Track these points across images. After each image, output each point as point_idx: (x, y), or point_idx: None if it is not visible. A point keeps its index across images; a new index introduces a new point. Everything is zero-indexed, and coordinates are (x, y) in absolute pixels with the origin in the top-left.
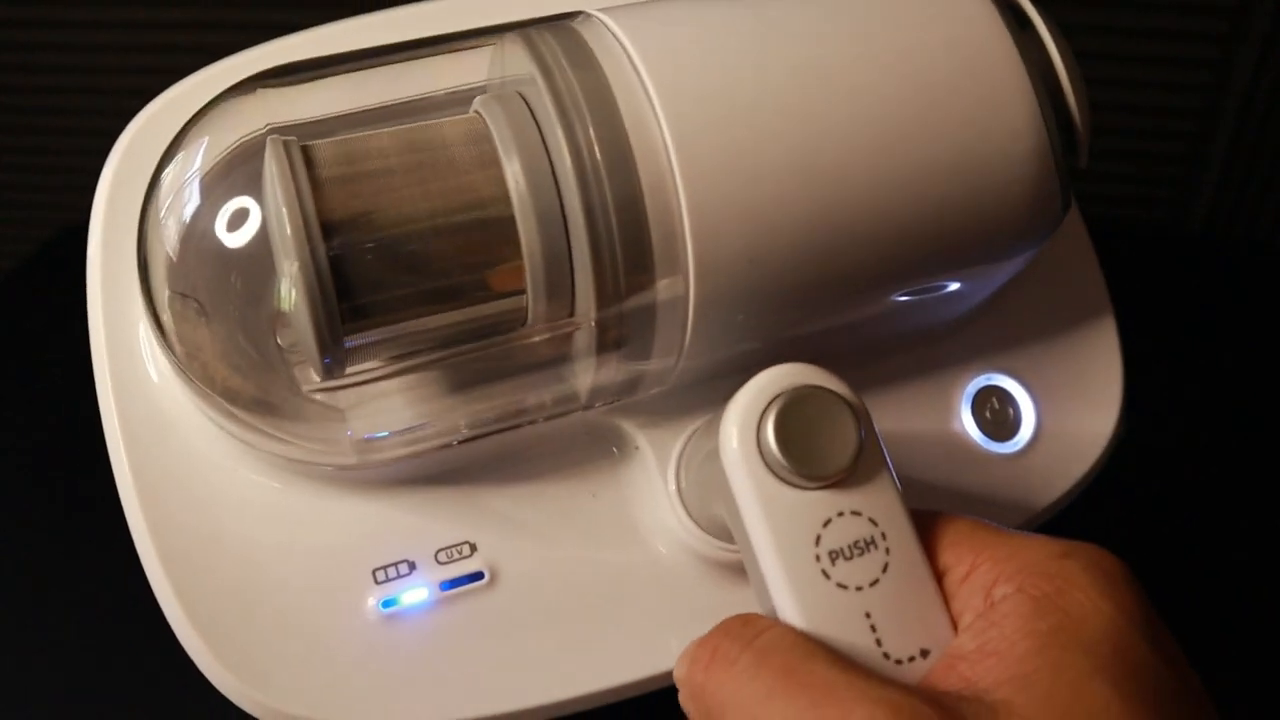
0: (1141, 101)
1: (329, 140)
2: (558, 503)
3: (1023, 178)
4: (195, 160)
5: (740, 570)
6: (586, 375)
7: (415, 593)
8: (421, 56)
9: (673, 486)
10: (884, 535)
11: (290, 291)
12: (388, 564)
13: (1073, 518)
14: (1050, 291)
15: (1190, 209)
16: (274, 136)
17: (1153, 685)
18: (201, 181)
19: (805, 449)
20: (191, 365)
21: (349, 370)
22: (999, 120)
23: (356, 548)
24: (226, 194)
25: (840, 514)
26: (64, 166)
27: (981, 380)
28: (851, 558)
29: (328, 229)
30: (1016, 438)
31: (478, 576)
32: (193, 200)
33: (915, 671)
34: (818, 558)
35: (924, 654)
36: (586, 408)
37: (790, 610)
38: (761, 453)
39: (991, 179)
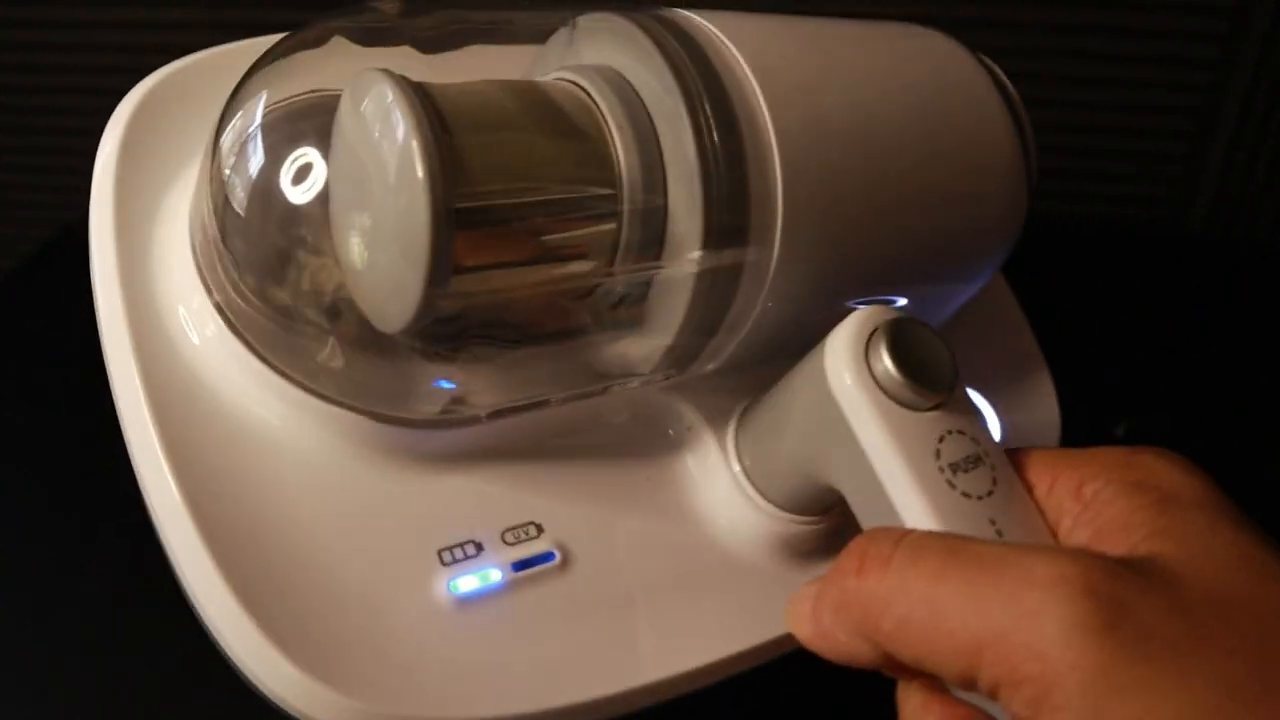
0: (1141, 101)
1: (443, 85)
2: (617, 487)
3: (1008, 196)
4: (289, 87)
5: (808, 547)
6: (663, 335)
7: (484, 574)
8: (498, 37)
9: (736, 467)
10: (986, 453)
11: (397, 224)
12: (454, 544)
13: None
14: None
15: (1190, 209)
16: (384, 70)
17: (1259, 532)
18: (288, 131)
19: (917, 370)
20: (266, 299)
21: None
22: (992, 147)
23: (422, 527)
24: (319, 142)
25: (949, 432)
26: (64, 166)
27: None
28: (969, 470)
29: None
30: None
31: (548, 557)
32: (278, 151)
33: None
34: (941, 470)
35: None
36: (645, 382)
37: (927, 523)
38: (877, 380)
39: (988, 195)
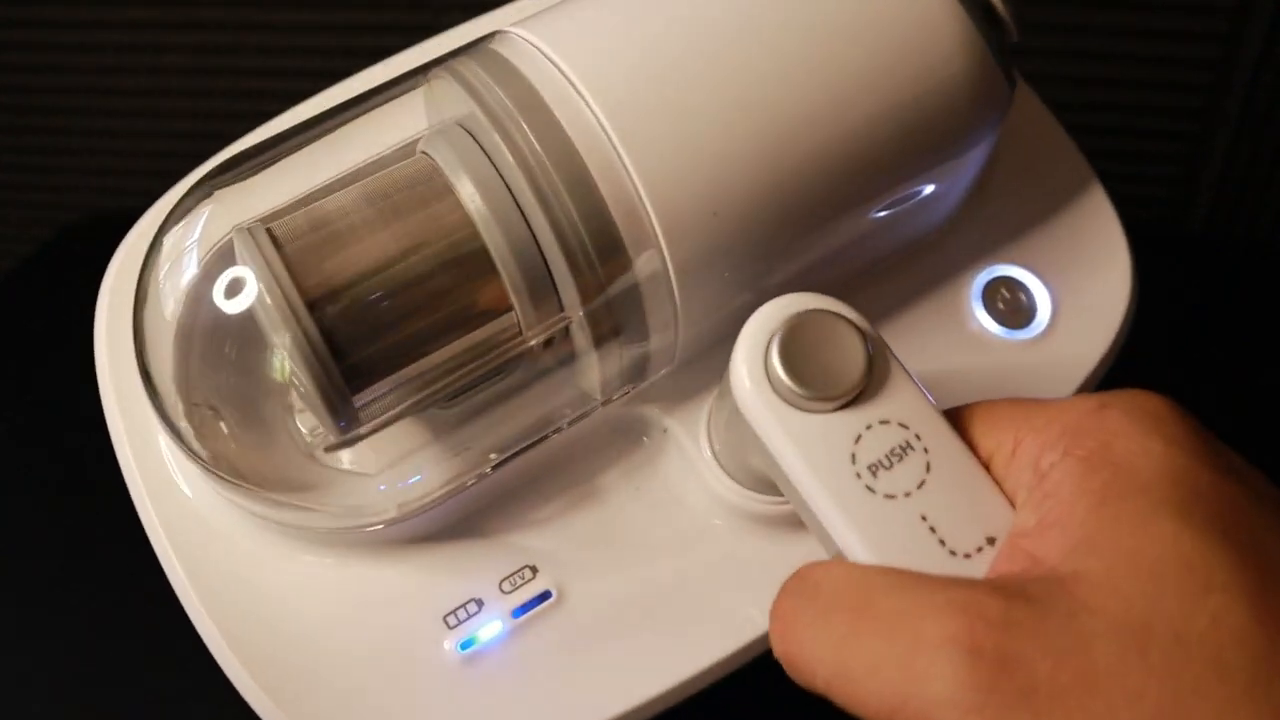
0: (1141, 101)
1: (290, 216)
2: (604, 506)
3: (956, 68)
4: (172, 276)
5: (798, 520)
6: (594, 371)
7: (490, 627)
8: (360, 115)
9: (707, 454)
10: (918, 436)
11: (290, 367)
12: (456, 607)
13: None
14: (1033, 176)
15: (1190, 209)
16: (238, 228)
17: (1219, 505)
18: (186, 295)
19: (814, 372)
20: (220, 465)
21: (365, 426)
22: (922, 20)
23: (422, 599)
24: (211, 299)
25: (869, 427)
26: (62, 167)
27: (986, 274)
28: (891, 466)
29: (310, 299)
30: (1035, 322)
31: (546, 596)
32: (181, 313)
33: (985, 561)
34: (858, 475)
35: (990, 541)
36: (605, 403)
37: (848, 536)
38: (774, 387)
39: (926, 76)
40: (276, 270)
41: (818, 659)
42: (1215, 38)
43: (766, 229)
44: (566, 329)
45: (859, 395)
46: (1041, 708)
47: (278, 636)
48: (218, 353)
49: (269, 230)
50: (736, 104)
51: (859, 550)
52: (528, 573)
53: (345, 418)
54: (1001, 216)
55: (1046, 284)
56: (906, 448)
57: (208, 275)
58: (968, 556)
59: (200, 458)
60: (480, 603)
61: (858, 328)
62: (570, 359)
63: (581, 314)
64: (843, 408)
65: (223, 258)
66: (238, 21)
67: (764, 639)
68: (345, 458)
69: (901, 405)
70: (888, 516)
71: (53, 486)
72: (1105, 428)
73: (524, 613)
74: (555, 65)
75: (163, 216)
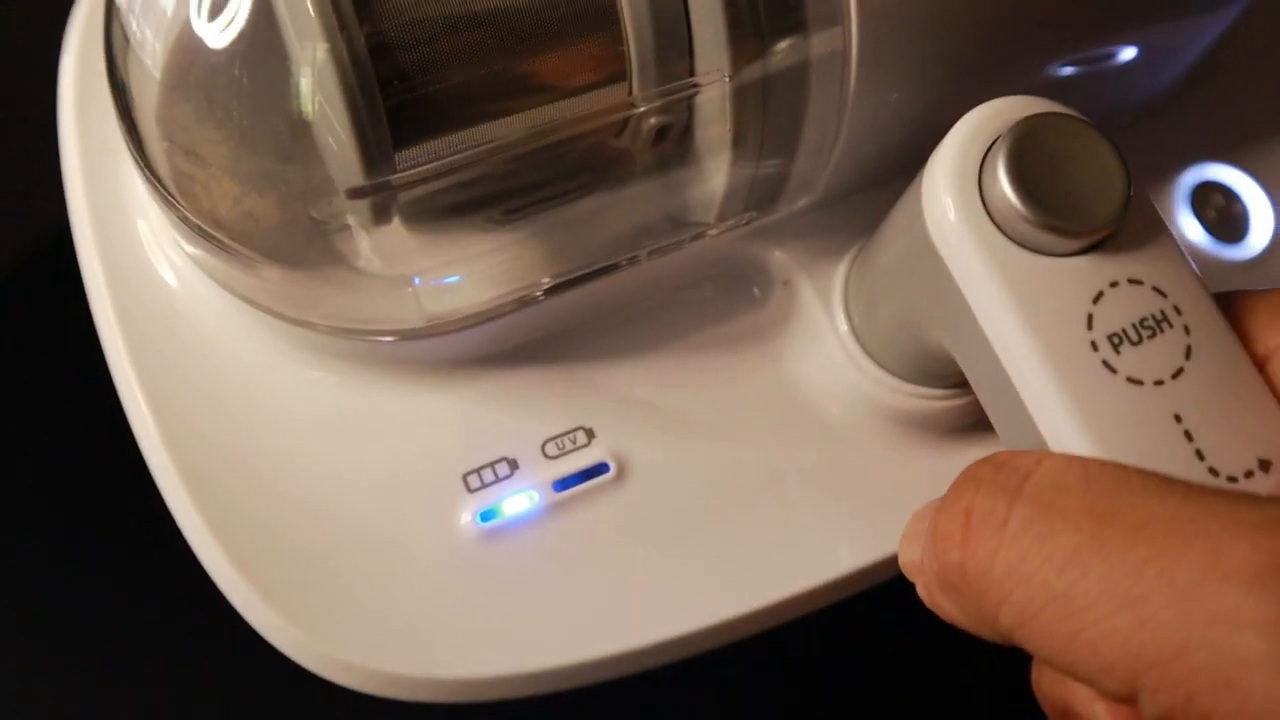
0: None
1: None
2: (692, 370)
3: None
4: None
5: (948, 428)
6: (714, 178)
7: (521, 498)
8: None
9: (844, 326)
10: (1178, 310)
11: (314, 90)
12: (482, 465)
13: None
14: (1269, 66)
15: None
16: None
17: None
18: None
19: (1054, 194)
20: (207, 220)
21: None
22: None
23: (440, 449)
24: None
25: (1115, 284)
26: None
27: (1199, 174)
28: (1140, 341)
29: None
30: (1252, 237)
31: (601, 469)
32: (172, 28)
33: (1256, 490)
34: (1094, 345)
35: (1264, 466)
36: (716, 231)
37: (1069, 428)
38: (991, 212)
39: None
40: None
41: (1021, 574)
42: None
43: (978, 29)
44: (691, 111)
45: (1107, 239)
46: None
47: (253, 475)
48: (219, 77)
49: None
50: None
51: (1081, 449)
52: (581, 436)
53: (380, 165)
54: (1226, 106)
55: (1270, 195)
56: (1162, 321)
57: None
58: (1233, 480)
59: (187, 215)
60: (514, 464)
61: (1114, 147)
62: (684, 156)
63: (726, 80)
64: (1084, 252)
65: None
66: None
67: (881, 571)
68: (365, 237)
69: (1160, 267)
70: (1130, 408)
71: (53, 485)
72: None
73: (569, 487)
74: None
75: None
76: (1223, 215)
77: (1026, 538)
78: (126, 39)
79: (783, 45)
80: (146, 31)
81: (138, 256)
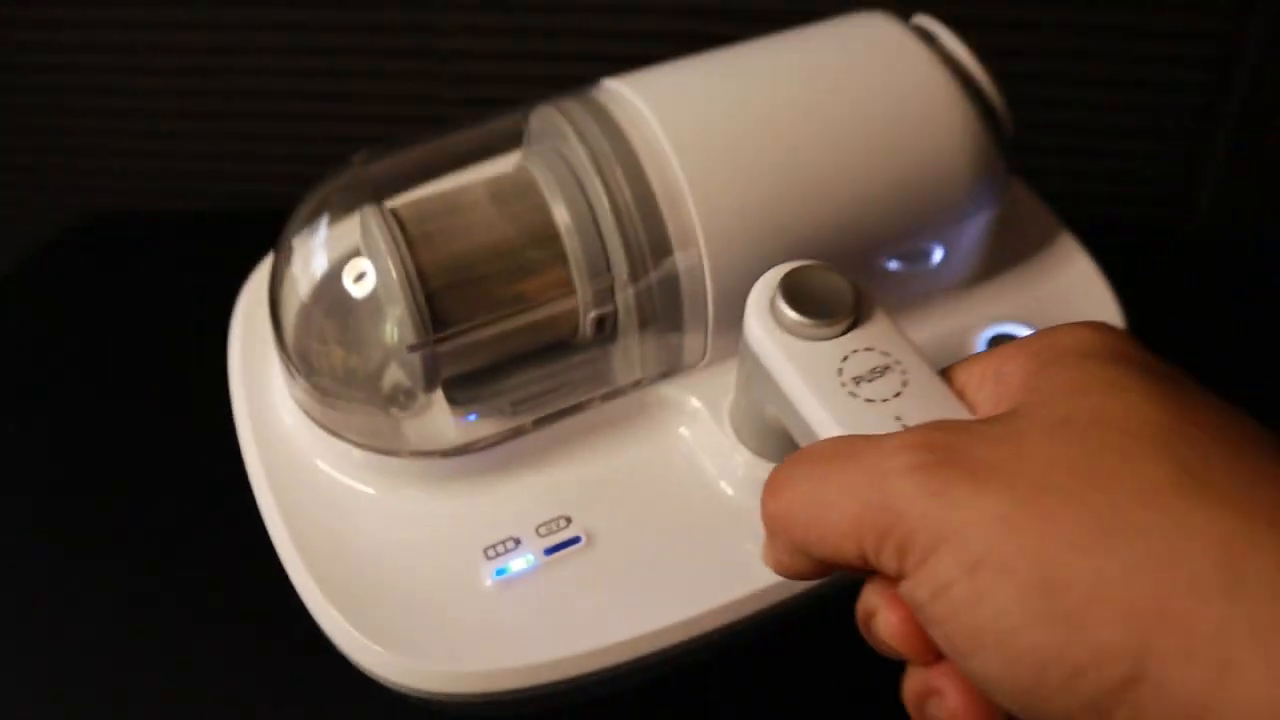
0: (1141, 101)
1: (412, 201)
2: (636, 469)
3: (962, 153)
4: (313, 227)
5: None
6: (634, 349)
7: (522, 561)
8: (472, 126)
9: (730, 432)
10: (898, 361)
11: (395, 324)
12: (497, 542)
13: None
14: (1029, 255)
15: (1190, 209)
16: (371, 206)
17: (1145, 360)
18: (317, 242)
19: (812, 307)
20: (325, 388)
21: (445, 370)
22: (934, 115)
23: (470, 534)
24: (338, 252)
25: (854, 351)
26: (63, 167)
27: (992, 330)
28: (873, 380)
29: (421, 275)
30: None
31: (576, 540)
32: (313, 259)
33: None
34: (843, 384)
35: None
36: (641, 384)
37: (831, 427)
38: (779, 322)
39: (936, 157)
40: (402, 250)
41: (798, 499)
42: (1215, 38)
43: (778, 252)
44: (616, 315)
45: (848, 328)
46: (979, 472)
47: (345, 550)
48: (342, 299)
49: (394, 211)
50: (780, 165)
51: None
52: (562, 521)
53: (433, 368)
54: (1006, 286)
55: None
56: (886, 368)
57: (335, 251)
58: None
59: (309, 379)
60: (518, 541)
61: (846, 278)
62: (615, 337)
63: (630, 289)
64: (836, 336)
65: (348, 236)
66: (238, 21)
67: (765, 592)
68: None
69: (883, 339)
70: (867, 415)
71: (53, 483)
72: (1064, 330)
73: (554, 552)
74: (646, 118)
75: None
76: None
77: (797, 479)
78: (280, 283)
79: (662, 262)
80: (292, 285)
81: (270, 412)
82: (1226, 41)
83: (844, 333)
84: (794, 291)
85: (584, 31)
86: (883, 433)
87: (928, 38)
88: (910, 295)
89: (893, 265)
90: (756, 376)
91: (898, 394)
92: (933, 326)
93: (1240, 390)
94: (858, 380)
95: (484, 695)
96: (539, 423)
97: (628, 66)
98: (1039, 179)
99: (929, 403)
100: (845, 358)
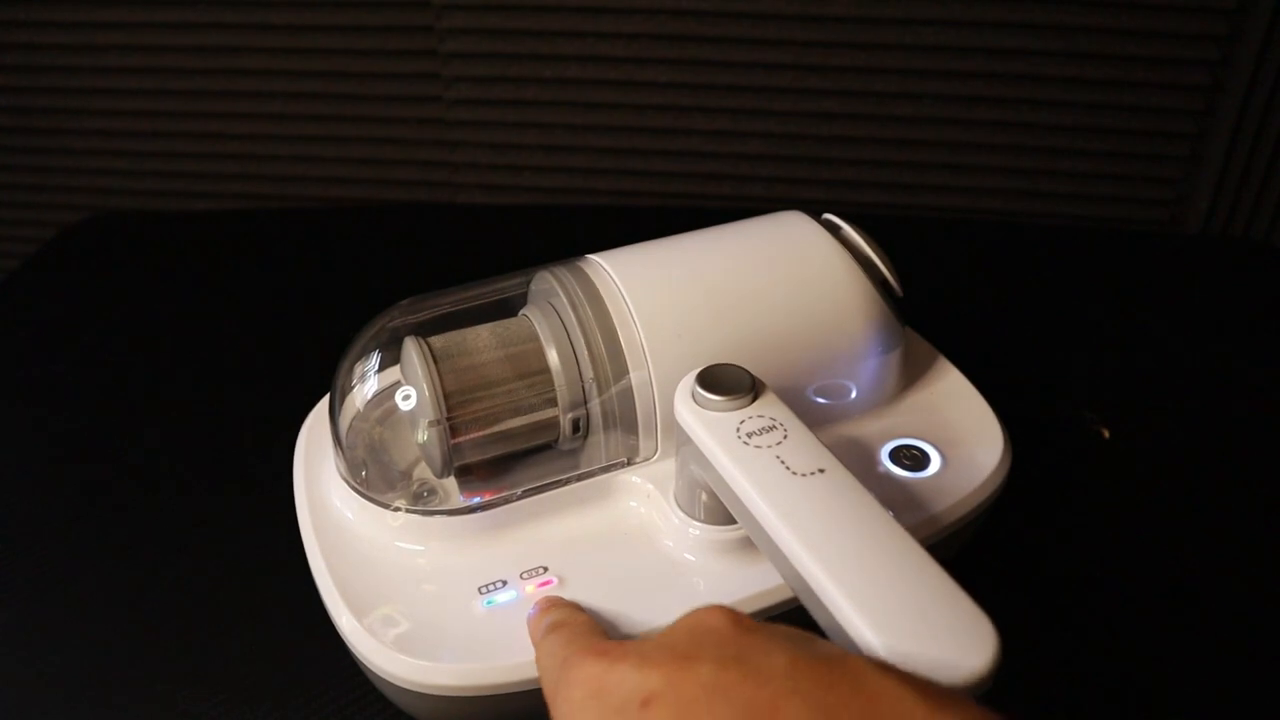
0: (1141, 101)
1: (441, 336)
2: (601, 532)
3: (860, 314)
4: (368, 358)
5: (727, 549)
6: (600, 445)
7: (507, 595)
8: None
9: (673, 503)
10: (781, 425)
11: (426, 432)
12: (488, 583)
13: (1080, 513)
14: (924, 385)
15: (1189, 209)
16: (411, 337)
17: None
18: (368, 371)
19: (720, 389)
20: (373, 484)
21: (459, 464)
22: (837, 287)
23: (467, 577)
24: (382, 379)
25: (749, 417)
26: (64, 167)
27: (895, 443)
28: (762, 433)
29: (449, 399)
30: (929, 469)
31: (549, 582)
32: (365, 384)
33: (817, 479)
34: (739, 436)
35: (820, 470)
36: (610, 469)
37: (728, 465)
38: (697, 401)
39: (837, 317)
40: (431, 371)
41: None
42: (1215, 38)
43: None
44: (587, 414)
45: (751, 402)
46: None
47: (377, 587)
48: (387, 411)
49: (428, 342)
50: (720, 326)
51: (736, 474)
52: (540, 569)
53: (450, 462)
54: (907, 408)
55: (937, 448)
56: (771, 428)
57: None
58: (804, 475)
59: (360, 478)
60: (505, 582)
61: (747, 371)
62: (586, 435)
63: (598, 399)
64: (738, 409)
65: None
66: (238, 21)
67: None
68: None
69: (773, 411)
70: (756, 455)
71: (52, 480)
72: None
73: (527, 588)
74: (616, 284)
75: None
76: (911, 456)
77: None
78: (339, 403)
79: (620, 381)
80: (347, 408)
81: (324, 495)
82: (1226, 42)
83: (742, 407)
84: (706, 381)
85: (584, 32)
86: (777, 470)
87: (834, 229)
88: (834, 417)
89: (819, 399)
90: (687, 449)
91: (780, 442)
92: (850, 438)
93: (1240, 390)
94: (751, 435)
95: (473, 688)
96: (526, 492)
97: (628, 67)
98: (1039, 179)
99: (803, 449)
100: (743, 421)
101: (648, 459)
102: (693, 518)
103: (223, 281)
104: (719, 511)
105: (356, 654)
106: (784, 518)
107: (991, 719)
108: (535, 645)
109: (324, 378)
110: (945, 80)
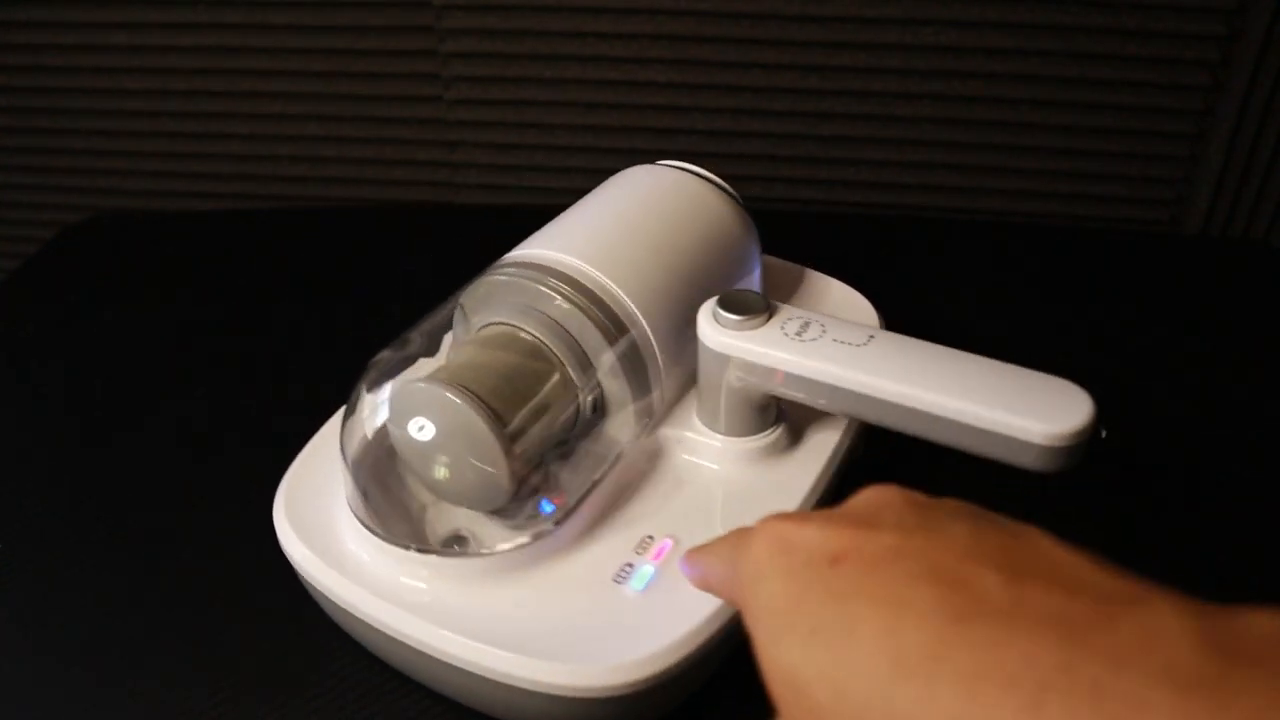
0: (1141, 101)
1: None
2: (663, 487)
3: (741, 243)
4: (369, 418)
5: (760, 457)
6: (623, 412)
7: (644, 571)
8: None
9: (709, 434)
10: (807, 316)
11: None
12: (616, 570)
13: (1078, 513)
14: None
15: (1189, 209)
16: (431, 379)
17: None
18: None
19: (749, 309)
20: (391, 528)
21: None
22: (718, 210)
23: (598, 571)
24: (387, 431)
25: (785, 322)
26: (64, 167)
27: None
28: (805, 329)
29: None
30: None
31: (666, 544)
32: (373, 436)
33: (875, 344)
34: (795, 338)
35: (871, 338)
36: (642, 435)
37: (808, 363)
38: (737, 326)
39: (722, 227)
40: (482, 407)
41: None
42: (1214, 39)
43: (682, 324)
44: (603, 391)
45: (775, 312)
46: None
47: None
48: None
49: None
50: (673, 278)
51: (824, 366)
52: (649, 540)
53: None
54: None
55: None
56: (807, 323)
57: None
58: (863, 345)
59: (373, 516)
60: (631, 565)
61: (756, 293)
62: (605, 411)
63: (610, 367)
64: (774, 320)
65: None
66: (238, 21)
67: None
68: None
69: (790, 311)
70: (820, 348)
71: (52, 480)
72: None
73: (658, 557)
74: (598, 275)
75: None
76: None
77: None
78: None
79: (621, 341)
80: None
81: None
82: (1225, 43)
83: (774, 315)
84: (733, 306)
85: (584, 32)
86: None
87: (683, 169)
88: None
89: None
90: (716, 365)
91: (824, 330)
92: None
93: (1240, 390)
94: (798, 334)
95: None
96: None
97: (628, 67)
98: (1039, 179)
99: (840, 328)
100: (783, 325)
101: (659, 418)
102: (731, 435)
103: (223, 281)
104: (748, 421)
105: (554, 691)
106: (887, 377)
107: (1151, 585)
108: (707, 579)
109: (324, 377)
110: (945, 80)
